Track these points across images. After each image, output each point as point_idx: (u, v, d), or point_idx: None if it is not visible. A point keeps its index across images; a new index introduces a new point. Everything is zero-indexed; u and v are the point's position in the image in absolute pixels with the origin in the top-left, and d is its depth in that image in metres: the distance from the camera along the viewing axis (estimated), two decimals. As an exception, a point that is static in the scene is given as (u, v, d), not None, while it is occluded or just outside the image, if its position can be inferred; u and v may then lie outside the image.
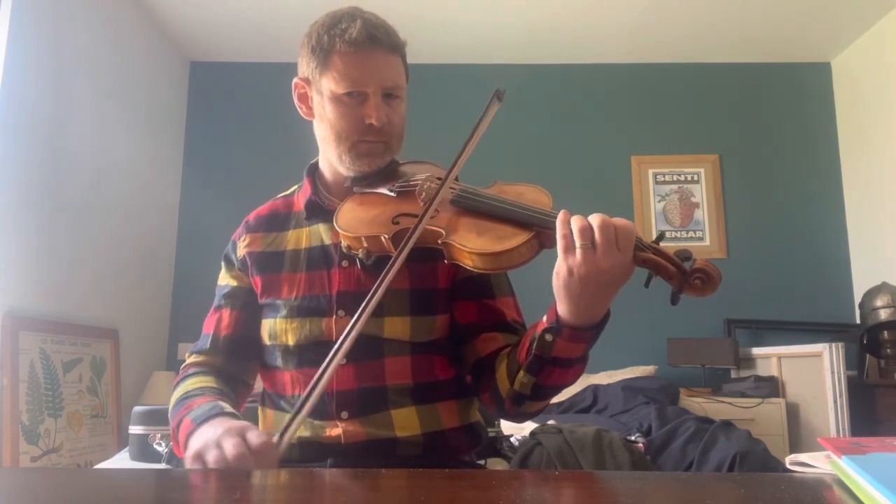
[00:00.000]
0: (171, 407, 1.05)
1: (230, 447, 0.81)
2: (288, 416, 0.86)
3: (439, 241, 0.93)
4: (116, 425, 3.10)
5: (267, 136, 3.88)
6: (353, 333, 0.87)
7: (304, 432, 1.03)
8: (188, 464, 0.85)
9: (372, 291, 0.88)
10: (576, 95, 4.13)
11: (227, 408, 0.96)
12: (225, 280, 1.18)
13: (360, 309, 0.87)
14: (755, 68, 4.12)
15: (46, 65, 2.78)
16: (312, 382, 0.86)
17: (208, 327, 1.16)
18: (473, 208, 0.96)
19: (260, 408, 1.14)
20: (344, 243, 1.02)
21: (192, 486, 0.74)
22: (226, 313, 1.14)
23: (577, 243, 0.82)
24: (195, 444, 0.86)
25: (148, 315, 3.60)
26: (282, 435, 0.85)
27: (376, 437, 1.01)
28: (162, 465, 1.64)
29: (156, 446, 1.65)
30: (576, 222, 0.83)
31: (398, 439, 1.02)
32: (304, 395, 0.86)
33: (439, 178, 1.02)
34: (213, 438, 0.84)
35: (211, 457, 0.82)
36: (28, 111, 2.66)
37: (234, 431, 0.84)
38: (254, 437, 0.83)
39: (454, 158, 0.99)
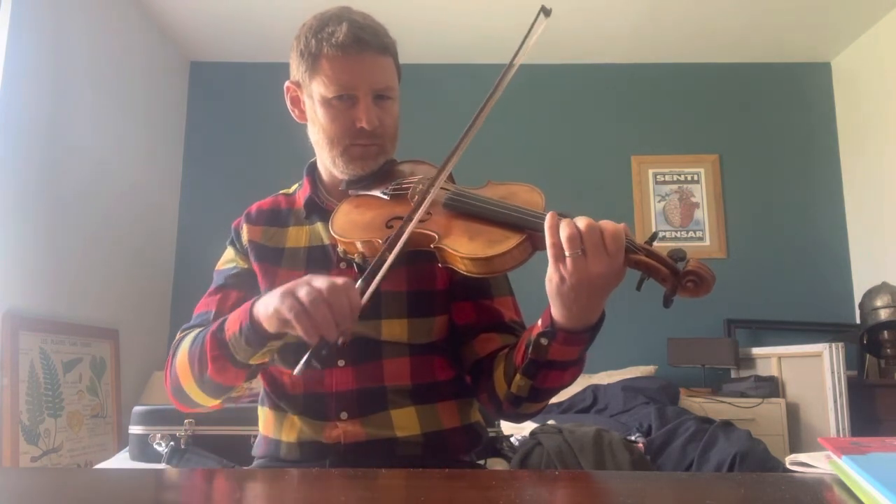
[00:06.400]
0: (186, 348, 1.01)
1: (321, 282, 0.82)
2: (368, 268, 0.88)
3: (432, 246, 0.93)
4: (116, 425, 3.09)
5: (267, 136, 3.87)
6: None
7: (304, 433, 1.03)
8: (277, 304, 0.83)
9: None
10: (576, 95, 4.12)
11: None
12: (233, 262, 1.14)
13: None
14: (755, 68, 4.12)
15: (46, 65, 2.78)
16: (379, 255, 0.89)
17: (208, 305, 1.10)
18: (466, 211, 0.96)
19: (259, 407, 1.13)
20: (340, 248, 1.01)
21: (191, 486, 0.74)
22: (233, 293, 1.10)
23: (567, 252, 0.80)
24: (277, 290, 0.85)
25: (148, 315, 3.60)
26: (365, 281, 0.87)
27: (376, 437, 1.01)
28: (162, 465, 1.64)
29: (156, 446, 1.65)
30: (564, 230, 0.81)
31: (398, 439, 1.01)
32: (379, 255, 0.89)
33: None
34: (300, 280, 0.83)
35: (303, 292, 0.81)
36: (28, 111, 2.66)
37: (317, 275, 0.84)
38: (338, 277, 0.84)
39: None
